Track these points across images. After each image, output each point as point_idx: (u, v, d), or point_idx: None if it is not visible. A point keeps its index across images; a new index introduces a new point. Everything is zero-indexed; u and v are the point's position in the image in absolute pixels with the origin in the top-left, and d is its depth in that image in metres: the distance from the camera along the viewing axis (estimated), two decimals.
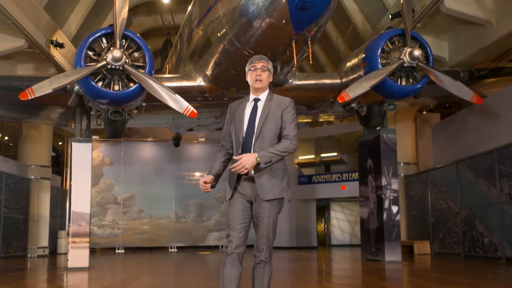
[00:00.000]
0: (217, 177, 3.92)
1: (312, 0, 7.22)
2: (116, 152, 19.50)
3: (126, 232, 19.18)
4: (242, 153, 3.73)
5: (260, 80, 3.86)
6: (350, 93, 9.35)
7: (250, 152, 3.70)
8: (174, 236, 19.44)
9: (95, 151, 18.32)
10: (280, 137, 3.78)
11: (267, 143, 3.73)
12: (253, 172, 3.67)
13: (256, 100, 3.89)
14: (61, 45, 12.78)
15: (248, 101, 3.92)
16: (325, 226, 24.20)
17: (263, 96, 3.90)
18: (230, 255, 3.65)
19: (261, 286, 3.68)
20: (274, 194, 3.72)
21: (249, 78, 3.91)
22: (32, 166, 16.15)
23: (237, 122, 3.86)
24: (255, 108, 3.86)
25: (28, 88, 8.61)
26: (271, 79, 3.94)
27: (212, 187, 3.86)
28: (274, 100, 3.88)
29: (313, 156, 22.60)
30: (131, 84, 8.94)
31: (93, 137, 11.20)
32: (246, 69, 3.91)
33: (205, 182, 3.80)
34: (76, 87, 9.59)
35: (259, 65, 3.88)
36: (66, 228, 17.77)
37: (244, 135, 3.79)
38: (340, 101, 9.64)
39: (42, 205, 16.29)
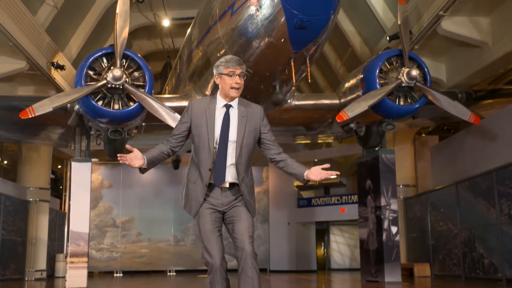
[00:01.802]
0: (151, 163, 3.54)
1: (310, 19, 7.33)
2: (115, 175, 19.48)
3: (124, 256, 19.05)
4: (214, 167, 3.51)
5: (238, 89, 3.58)
6: (349, 113, 9.41)
7: (225, 164, 3.51)
8: (173, 259, 19.30)
9: (94, 174, 18.30)
10: (253, 150, 3.65)
11: (245, 158, 3.57)
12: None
13: (228, 107, 3.60)
14: (61, 67, 12.88)
15: (217, 104, 3.63)
16: (325, 250, 24.08)
17: (234, 103, 3.63)
18: (216, 272, 3.43)
19: None
20: (254, 208, 3.64)
21: (222, 82, 3.60)
22: (31, 188, 16.07)
23: (205, 129, 3.56)
24: (227, 117, 3.57)
25: (29, 107, 8.68)
26: None
27: (142, 170, 3.53)
28: (246, 108, 3.63)
29: None
30: (131, 103, 9.00)
31: (93, 159, 11.25)
32: (218, 70, 3.63)
33: (129, 161, 3.41)
34: (76, 106, 9.65)
35: (238, 71, 3.57)
36: (64, 250, 17.67)
37: (216, 146, 3.54)
38: (338, 121, 9.69)
39: (41, 227, 16.16)
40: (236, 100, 3.64)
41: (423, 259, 14.18)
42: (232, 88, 3.56)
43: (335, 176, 3.53)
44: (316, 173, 3.48)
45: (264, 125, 3.65)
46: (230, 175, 3.57)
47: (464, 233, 12.05)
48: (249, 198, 3.59)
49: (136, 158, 3.45)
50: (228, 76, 3.57)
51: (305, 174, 3.52)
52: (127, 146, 3.53)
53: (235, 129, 3.55)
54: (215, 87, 9.90)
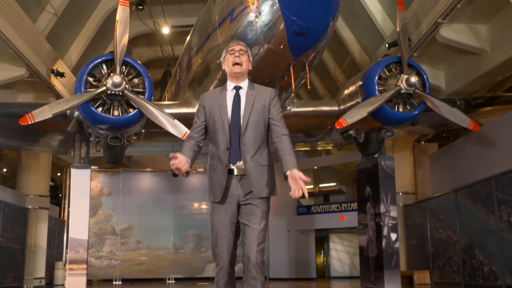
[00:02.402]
0: (191, 164, 3.56)
1: (309, 26, 7.34)
2: (114, 182, 19.39)
3: (123, 263, 18.93)
4: (230, 145, 3.52)
5: (240, 64, 3.61)
6: (348, 119, 9.40)
7: (238, 144, 3.51)
8: (172, 267, 19.20)
9: (94, 181, 18.23)
10: (265, 129, 3.59)
11: (255, 135, 3.54)
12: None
13: (237, 88, 3.64)
14: (61, 74, 12.92)
15: (227, 90, 3.67)
16: (324, 258, 24.02)
17: (244, 84, 3.66)
18: (222, 268, 3.47)
19: None
20: (267, 191, 3.52)
21: (226, 64, 3.67)
22: (30, 196, 16.05)
23: (218, 113, 3.60)
24: (237, 97, 3.61)
25: (28, 113, 8.68)
26: (250, 67, 3.71)
27: (187, 174, 3.53)
28: (256, 89, 3.66)
29: (311, 186, 22.57)
30: (131, 110, 8.98)
31: (92, 167, 11.23)
32: (222, 56, 3.71)
33: (178, 167, 3.41)
34: (76, 113, 9.63)
35: (237, 47, 3.63)
36: (63, 258, 17.63)
37: (229, 126, 3.56)
38: (338, 127, 9.67)
39: (40, 235, 16.13)
40: (246, 82, 3.69)
41: (422, 266, 14.15)
42: (234, 65, 3.62)
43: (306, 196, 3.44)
44: (293, 180, 3.36)
45: (274, 104, 3.64)
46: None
47: (463, 240, 12.03)
48: (257, 180, 3.51)
49: (181, 163, 3.47)
50: (229, 55, 3.65)
51: (286, 174, 3.44)
52: (171, 154, 3.47)
53: (243, 107, 3.59)
54: None
